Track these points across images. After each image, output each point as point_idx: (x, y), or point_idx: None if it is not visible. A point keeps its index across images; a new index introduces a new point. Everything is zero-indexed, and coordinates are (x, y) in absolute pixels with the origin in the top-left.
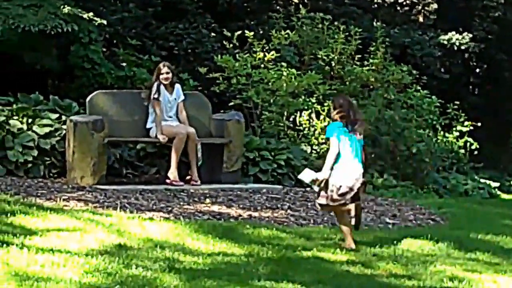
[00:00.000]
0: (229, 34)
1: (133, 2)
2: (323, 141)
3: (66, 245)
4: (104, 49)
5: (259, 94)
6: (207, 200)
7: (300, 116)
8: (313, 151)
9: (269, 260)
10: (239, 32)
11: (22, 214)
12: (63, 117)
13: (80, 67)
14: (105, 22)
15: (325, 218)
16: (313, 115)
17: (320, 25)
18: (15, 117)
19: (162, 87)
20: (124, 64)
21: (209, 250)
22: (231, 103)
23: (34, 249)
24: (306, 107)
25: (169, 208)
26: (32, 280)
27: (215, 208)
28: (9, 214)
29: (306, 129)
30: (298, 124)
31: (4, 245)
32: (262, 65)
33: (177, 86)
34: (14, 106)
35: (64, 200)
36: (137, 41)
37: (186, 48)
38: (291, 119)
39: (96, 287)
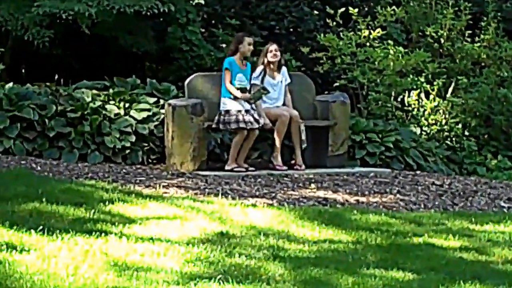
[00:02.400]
0: (332, 11)
1: None
2: (433, 121)
3: (166, 233)
4: (203, 30)
5: (365, 74)
6: (312, 185)
7: (409, 96)
8: (422, 132)
9: (378, 247)
10: (342, 9)
11: (120, 202)
12: (161, 101)
13: (178, 49)
14: (202, 1)
15: (436, 203)
16: (422, 95)
17: (427, 0)
18: (112, 102)
19: (266, 70)
20: (223, 45)
21: (314, 237)
22: (336, 84)
23: (133, 238)
24: (414, 87)
25: (273, 194)
26: (131, 269)
27: (321, 193)
28: (107, 202)
29: (415, 109)
30: (406, 104)
31: (103, 234)
32: (368, 44)
33: (284, 68)
34: (111, 90)
35: (163, 187)
36: (237, 20)
37: (287, 27)
38: (399, 99)
39: (197, 276)
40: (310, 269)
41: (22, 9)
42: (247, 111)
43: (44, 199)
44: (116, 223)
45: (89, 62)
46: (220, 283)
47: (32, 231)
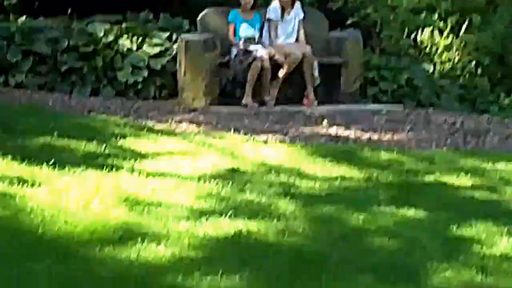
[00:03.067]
0: None
1: None
2: (446, 59)
3: (178, 169)
4: None
5: (378, 11)
6: (324, 122)
7: (422, 33)
8: (435, 70)
9: (389, 185)
10: None
11: (132, 136)
12: (174, 36)
13: None
14: None
15: (448, 141)
16: (435, 32)
17: None
18: (124, 37)
19: (280, 5)
20: None
21: (326, 174)
22: (349, 21)
23: (145, 173)
24: (428, 24)
25: (285, 131)
26: (142, 204)
27: (333, 130)
28: (119, 137)
29: (428, 47)
30: (419, 42)
31: (114, 168)
32: None
33: (297, 4)
34: (123, 25)
35: (175, 122)
36: None
37: None
38: (412, 36)
39: (209, 212)
40: (320, 206)
41: None
42: (256, 50)
43: (55, 133)
44: (128, 158)
45: None
46: (231, 218)
47: (44, 165)
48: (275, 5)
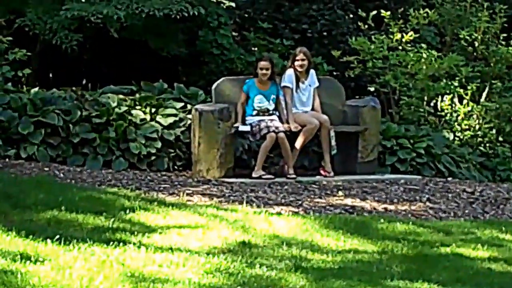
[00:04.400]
0: (364, 14)
1: None
2: (466, 127)
3: (187, 243)
4: (234, 34)
5: (397, 78)
6: (340, 193)
7: (442, 100)
8: (455, 138)
9: (404, 257)
10: (374, 12)
11: (142, 210)
12: (188, 106)
13: (209, 53)
14: (233, 4)
15: (467, 211)
16: (456, 100)
17: (462, 3)
18: (138, 107)
19: (295, 74)
20: (255, 48)
21: (339, 247)
22: (371, 88)
23: (153, 248)
24: (447, 91)
25: (299, 202)
26: (148, 281)
27: (348, 201)
28: (128, 211)
29: (448, 114)
30: (439, 109)
31: (121, 243)
32: (400, 47)
33: (312, 72)
34: (137, 95)
35: (187, 194)
36: (269, 24)
37: (320, 31)
38: (431, 104)
39: None
40: (332, 281)
41: (50, 13)
42: (270, 120)
43: (63, 207)
44: (136, 232)
45: (118, 66)
46: None
47: (48, 240)
48: (290, 73)
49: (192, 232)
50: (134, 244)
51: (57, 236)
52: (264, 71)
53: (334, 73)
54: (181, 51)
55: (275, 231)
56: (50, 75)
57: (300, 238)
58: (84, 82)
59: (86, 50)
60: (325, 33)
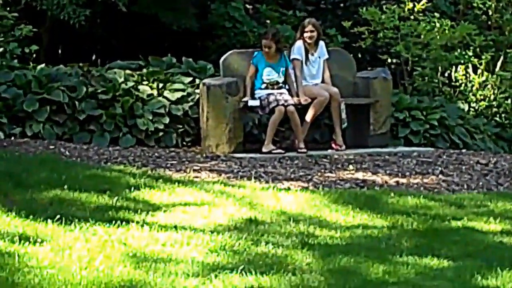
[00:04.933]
0: None
1: None
2: (481, 97)
3: (192, 221)
4: (249, 6)
5: (409, 49)
6: (351, 167)
7: (456, 71)
8: (470, 108)
9: (413, 232)
10: None
11: (147, 187)
12: (197, 81)
13: (221, 26)
14: None
15: (480, 183)
16: (470, 70)
17: None
18: (145, 82)
19: (304, 45)
20: (267, 21)
21: (348, 222)
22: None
23: (156, 226)
24: (462, 61)
25: (309, 177)
26: (150, 261)
27: (359, 175)
28: (133, 188)
29: (463, 85)
30: (453, 79)
31: (124, 222)
32: (412, 17)
33: (321, 43)
34: (144, 70)
35: (194, 171)
36: None
37: (333, 2)
38: (446, 74)
39: (220, 267)
40: (339, 258)
41: None
42: (280, 94)
43: (66, 186)
44: (140, 211)
45: (128, 41)
46: (242, 274)
47: (49, 220)
48: (299, 44)
49: (197, 210)
50: (137, 222)
51: (58, 216)
52: (266, 49)
53: (352, 45)
54: (192, 25)
55: (283, 207)
56: (59, 51)
57: (308, 214)
58: (93, 57)
59: (96, 25)
60: (341, 4)
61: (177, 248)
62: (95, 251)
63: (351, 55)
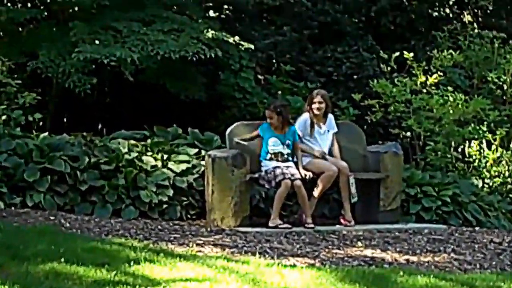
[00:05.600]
0: (385, 56)
1: (288, 24)
2: (496, 173)
3: None
4: (260, 77)
5: (420, 123)
6: (359, 243)
7: (469, 146)
8: (484, 185)
9: None
10: (396, 54)
11: (147, 262)
12: (203, 152)
13: (230, 97)
14: (252, 46)
15: (493, 263)
16: (484, 145)
17: (489, 45)
18: (149, 153)
19: (310, 118)
20: (278, 92)
21: None
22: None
23: None
24: (475, 136)
25: (316, 253)
26: None
27: (368, 252)
28: (132, 262)
29: (477, 160)
30: (467, 155)
31: None
32: (424, 90)
33: (330, 116)
34: (149, 141)
35: (198, 245)
36: (292, 66)
37: (345, 73)
38: (459, 149)
39: None
40: None
41: (63, 55)
42: (286, 167)
43: (64, 259)
44: (138, 286)
45: (136, 110)
46: None
47: None
48: (304, 118)
49: (198, 285)
50: None
51: None
52: (269, 120)
53: (365, 118)
54: (201, 95)
55: (287, 284)
56: (65, 119)
57: None
58: (100, 126)
59: (104, 94)
60: (354, 76)
61: None
62: None
63: (362, 128)
